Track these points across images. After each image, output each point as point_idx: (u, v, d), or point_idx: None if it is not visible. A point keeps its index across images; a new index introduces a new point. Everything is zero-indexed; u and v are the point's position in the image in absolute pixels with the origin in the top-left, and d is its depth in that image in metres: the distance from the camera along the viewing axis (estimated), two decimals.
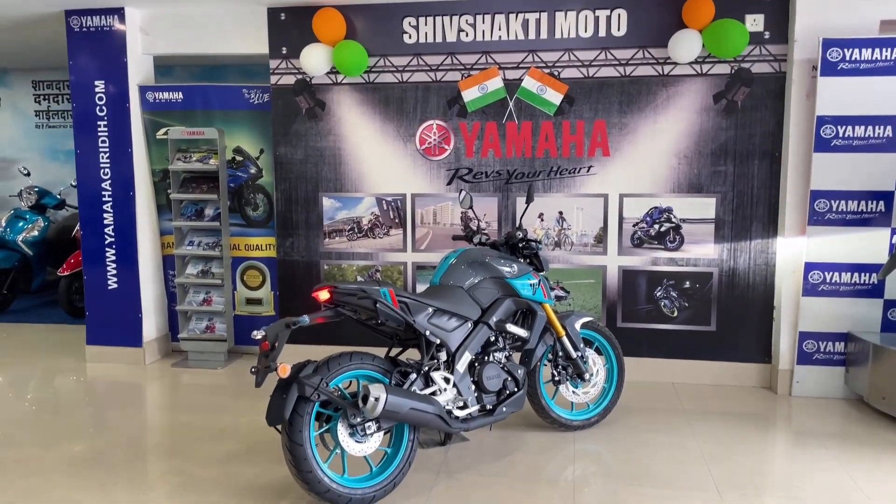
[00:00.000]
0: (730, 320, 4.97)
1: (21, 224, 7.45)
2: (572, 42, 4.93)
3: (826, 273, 4.63)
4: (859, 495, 3.40)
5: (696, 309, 5.00)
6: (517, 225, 4.07)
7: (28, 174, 7.98)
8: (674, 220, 4.97)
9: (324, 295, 3.29)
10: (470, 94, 5.08)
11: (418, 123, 5.18)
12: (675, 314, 5.04)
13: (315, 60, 5.03)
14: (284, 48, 5.25)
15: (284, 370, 3.08)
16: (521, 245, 4.01)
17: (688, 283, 5.00)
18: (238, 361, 5.65)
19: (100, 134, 5.41)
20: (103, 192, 5.46)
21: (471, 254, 3.83)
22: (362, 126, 5.25)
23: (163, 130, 5.48)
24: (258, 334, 3.14)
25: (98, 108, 5.39)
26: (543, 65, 4.98)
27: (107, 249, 5.51)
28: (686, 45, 4.66)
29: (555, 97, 5.00)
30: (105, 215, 5.48)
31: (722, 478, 3.59)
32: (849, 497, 3.38)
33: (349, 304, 3.31)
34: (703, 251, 4.96)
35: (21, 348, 6.14)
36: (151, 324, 5.66)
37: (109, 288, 5.55)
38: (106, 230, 5.50)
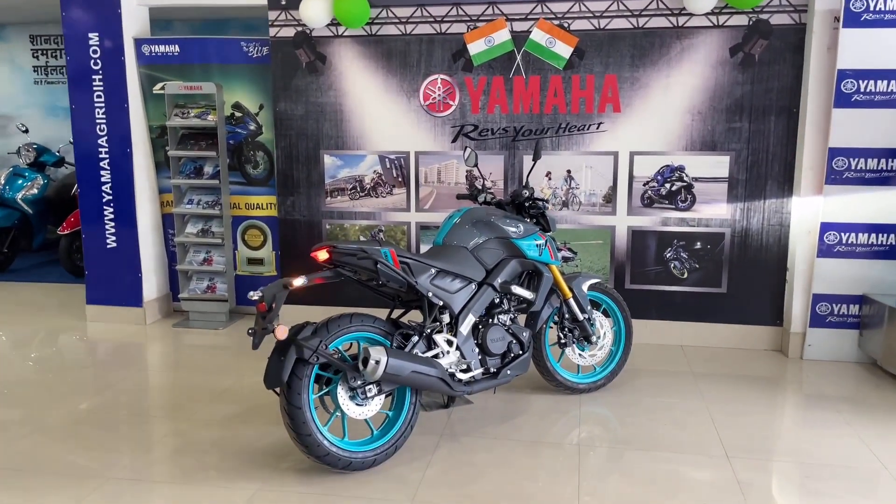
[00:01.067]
0: (741, 282, 4.85)
1: (20, 182, 7.35)
2: None
3: (842, 234, 4.49)
4: (872, 460, 3.31)
5: (706, 270, 4.88)
6: (524, 183, 3.93)
7: (26, 131, 7.84)
8: (686, 178, 4.82)
9: (322, 255, 3.18)
10: (476, 47, 4.90)
11: (422, 78, 5.01)
12: (685, 276, 4.92)
13: (314, 11, 4.85)
14: None
15: (282, 332, 2.98)
16: (527, 204, 3.87)
17: (699, 243, 4.86)
18: (239, 322, 5.58)
19: (95, 88, 5.26)
20: (100, 149, 5.34)
21: (475, 213, 3.70)
22: (364, 81, 5.08)
23: (159, 85, 5.32)
24: (255, 295, 3.04)
25: (92, 61, 5.23)
26: (553, 16, 4.78)
27: (105, 208, 5.41)
28: None
29: (564, 50, 4.81)
30: (102, 173, 5.37)
31: (731, 442, 3.50)
32: (861, 462, 3.30)
33: (349, 265, 3.20)
34: (715, 211, 4.81)
35: (22, 307, 6.08)
36: (152, 283, 5.58)
37: (108, 247, 5.46)
38: (103, 188, 5.38)
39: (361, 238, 5.26)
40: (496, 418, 3.79)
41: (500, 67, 4.90)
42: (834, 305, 4.58)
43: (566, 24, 4.78)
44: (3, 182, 7.34)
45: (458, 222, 3.67)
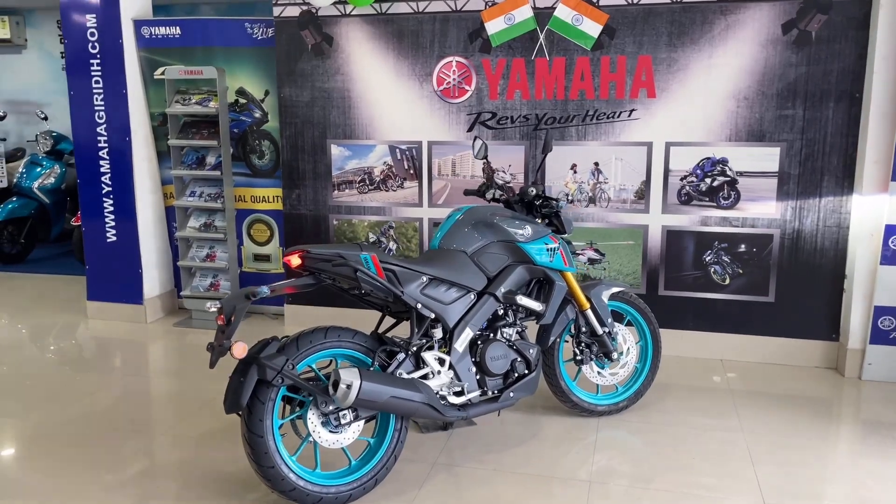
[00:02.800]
0: (791, 290, 4.28)
1: (37, 170, 7.18)
2: None
3: None
4: None
5: (751, 276, 4.33)
6: (532, 179, 3.47)
7: (45, 118, 7.66)
8: (729, 173, 4.27)
9: (295, 261, 2.79)
10: (494, 26, 4.43)
11: (436, 61, 4.56)
12: (727, 282, 4.37)
13: None
14: None
15: (240, 350, 2.61)
16: (537, 203, 3.40)
17: (743, 246, 4.31)
18: (245, 323, 5.24)
19: (93, 73, 4.96)
20: (98, 138, 5.05)
21: (476, 213, 3.25)
22: (373, 64, 4.66)
23: (160, 70, 5.00)
24: (212, 306, 2.68)
25: (90, 45, 4.93)
26: None
27: (104, 199, 5.13)
28: None
29: (592, 28, 4.30)
30: (101, 163, 5.08)
31: (770, 480, 3.00)
32: None
33: (325, 272, 2.81)
34: (762, 210, 4.25)
35: (28, 300, 5.88)
36: (153, 279, 5.28)
37: (108, 241, 5.18)
38: (102, 178, 5.10)
39: (371, 235, 4.86)
40: (499, 445, 3.35)
41: (522, 48, 4.42)
42: None
43: (595, 0, 4.27)
44: (21, 170, 7.18)
45: (456, 223, 3.23)
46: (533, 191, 3.35)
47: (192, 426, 3.56)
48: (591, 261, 4.55)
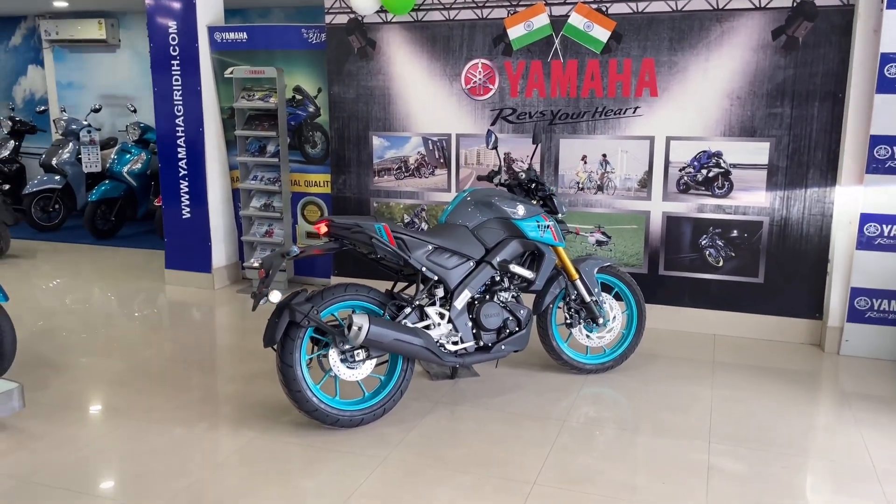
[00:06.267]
0: (779, 272, 4.71)
1: (127, 157, 8.14)
2: None
3: (884, 225, 4.28)
4: (866, 462, 3.21)
5: (743, 259, 4.77)
6: (527, 166, 4.03)
7: (134, 111, 8.64)
8: (723, 165, 4.73)
9: (323, 228, 3.46)
10: (515, 32, 5.00)
11: (464, 62, 5.17)
12: (721, 264, 4.83)
13: None
14: None
15: (275, 296, 3.31)
16: (532, 187, 3.98)
17: (735, 231, 4.76)
18: (297, 290, 5.97)
19: (173, 73, 5.79)
20: (177, 129, 5.87)
21: (478, 194, 3.85)
22: (410, 65, 5.31)
23: (229, 70, 5.78)
24: (255, 262, 3.38)
25: (171, 48, 5.75)
26: (591, 0, 4.80)
27: (181, 182, 5.96)
28: None
29: (602, 34, 4.82)
30: (179, 150, 5.91)
31: (720, 429, 3.49)
32: (855, 463, 3.21)
33: (346, 238, 3.47)
34: (753, 199, 4.69)
35: (118, 269, 6.80)
36: (221, 252, 6.08)
37: (184, 217, 6.01)
38: (180, 164, 5.93)
39: (405, 217, 5.51)
40: (495, 392, 3.95)
41: (539, 52, 4.98)
42: (874, 300, 4.38)
43: (604, 8, 4.79)
44: (112, 157, 8.17)
45: (461, 202, 3.84)
46: (523, 175, 3.93)
47: (244, 368, 4.29)
48: (599, 242, 5.07)
